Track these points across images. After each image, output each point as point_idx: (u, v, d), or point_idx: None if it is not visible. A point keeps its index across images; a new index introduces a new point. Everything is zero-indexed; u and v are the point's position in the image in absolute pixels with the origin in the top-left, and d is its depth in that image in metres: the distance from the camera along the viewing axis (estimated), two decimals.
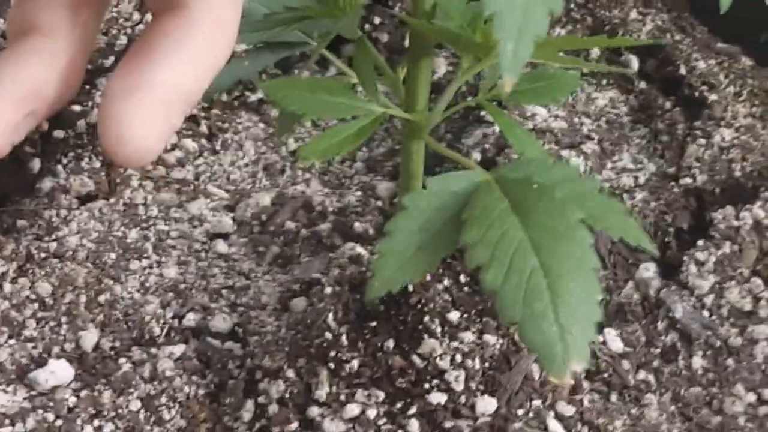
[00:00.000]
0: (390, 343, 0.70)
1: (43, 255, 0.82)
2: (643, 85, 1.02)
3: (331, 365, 0.71)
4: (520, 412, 0.69)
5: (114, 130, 0.40)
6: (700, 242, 0.81)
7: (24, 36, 0.43)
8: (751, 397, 0.73)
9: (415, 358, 0.70)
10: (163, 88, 0.41)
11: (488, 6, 0.32)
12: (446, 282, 0.73)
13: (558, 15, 0.33)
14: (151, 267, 0.83)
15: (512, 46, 0.32)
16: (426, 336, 0.70)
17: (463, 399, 0.69)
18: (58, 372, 0.73)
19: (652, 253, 0.57)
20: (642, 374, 0.75)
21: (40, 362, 0.74)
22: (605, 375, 0.74)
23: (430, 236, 0.55)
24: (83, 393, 0.73)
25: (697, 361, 0.75)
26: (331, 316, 0.73)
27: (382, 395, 0.70)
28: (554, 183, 0.55)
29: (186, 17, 0.42)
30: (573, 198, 0.54)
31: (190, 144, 0.98)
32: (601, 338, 0.76)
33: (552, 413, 0.70)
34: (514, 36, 0.32)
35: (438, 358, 0.69)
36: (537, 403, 0.70)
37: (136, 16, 1.07)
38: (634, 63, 1.03)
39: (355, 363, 0.70)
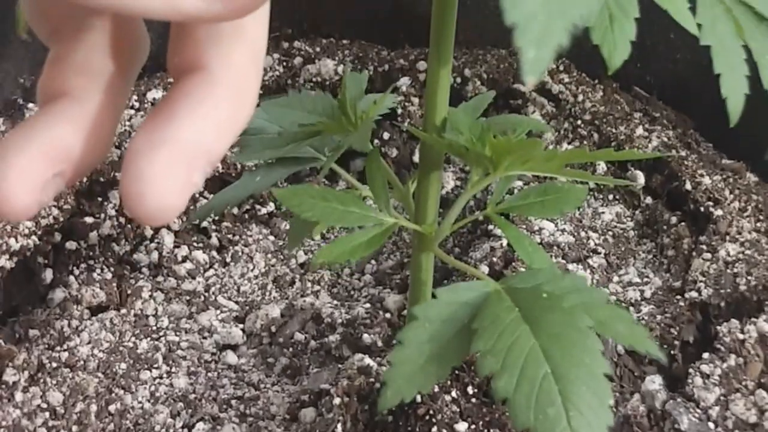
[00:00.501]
0: None
1: (54, 364, 0.83)
2: (649, 200, 1.04)
3: None
4: None
5: (135, 187, 0.40)
6: (706, 355, 0.81)
7: (55, 100, 0.44)
8: None
9: None
10: (184, 144, 0.41)
11: (509, 16, 0.33)
12: (454, 393, 0.74)
13: (581, 26, 0.34)
14: (161, 377, 0.84)
15: (533, 53, 0.33)
16: None
17: None
18: None
19: (661, 361, 0.57)
20: None
21: None
22: None
23: (441, 346, 0.56)
24: None
25: None
26: (339, 427, 0.73)
27: None
28: (563, 292, 0.56)
29: (207, 77, 0.43)
30: (582, 307, 0.54)
31: (200, 256, 0.99)
32: None
33: None
34: (534, 44, 0.33)
35: None
36: None
37: None
38: (640, 178, 1.04)
39: None
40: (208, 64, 0.43)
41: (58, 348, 0.85)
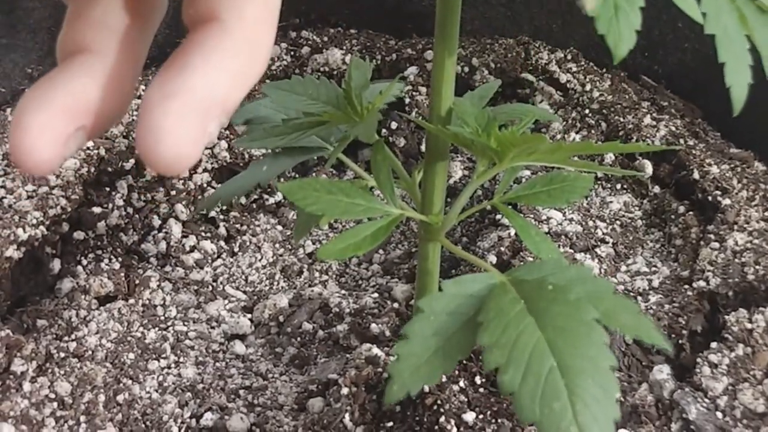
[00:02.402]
0: None
1: (62, 355, 0.83)
2: (656, 189, 1.03)
3: None
4: None
5: (151, 137, 0.40)
6: (714, 344, 0.81)
7: (74, 55, 0.44)
8: None
9: None
10: (197, 93, 0.41)
11: None
12: (462, 383, 0.74)
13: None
14: (169, 367, 0.84)
15: None
16: None
17: None
18: None
19: (667, 351, 0.57)
20: None
21: None
22: None
23: (446, 339, 0.56)
24: None
25: None
26: (347, 416, 0.73)
27: None
28: (569, 284, 0.56)
29: (220, 28, 0.43)
30: (587, 298, 0.54)
31: (208, 246, 0.99)
32: None
33: None
34: None
35: None
36: None
37: None
38: (648, 168, 1.04)
39: None
40: (221, 16, 0.43)
41: (66, 338, 0.86)
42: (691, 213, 0.98)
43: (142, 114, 0.41)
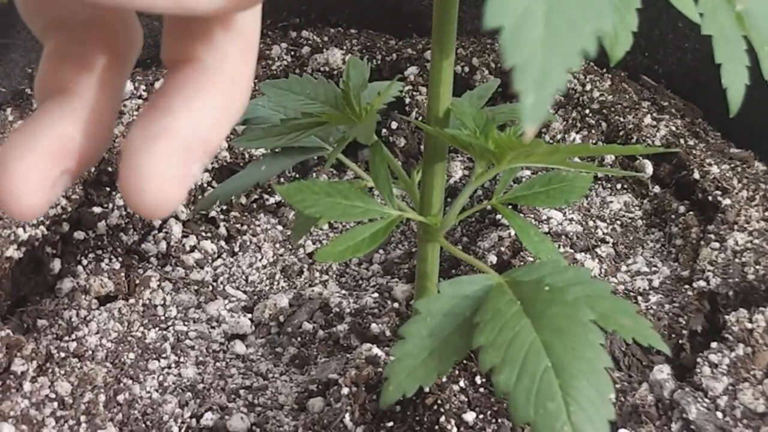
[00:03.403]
0: None
1: (62, 354, 0.83)
2: (657, 189, 1.03)
3: None
4: None
5: (134, 181, 0.40)
6: (714, 344, 0.81)
7: (53, 97, 0.44)
8: None
9: None
10: (180, 135, 0.41)
11: (508, 59, 0.33)
12: (462, 383, 0.74)
13: (576, 70, 0.34)
14: (169, 367, 0.84)
15: (532, 98, 0.33)
16: None
17: None
18: None
19: (665, 352, 0.57)
20: None
21: None
22: None
23: (443, 340, 0.56)
24: None
25: None
26: (348, 416, 0.73)
27: None
28: (566, 285, 0.56)
29: (200, 69, 0.43)
30: (584, 299, 0.54)
31: (208, 246, 0.99)
32: None
33: None
34: (533, 89, 0.33)
35: None
36: None
37: None
38: (648, 168, 1.04)
39: None
40: (201, 57, 0.43)
41: (67, 338, 0.86)
42: (691, 213, 0.98)
43: (125, 156, 0.40)
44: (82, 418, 0.77)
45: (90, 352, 0.84)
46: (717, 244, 0.91)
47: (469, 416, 0.72)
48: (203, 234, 1.00)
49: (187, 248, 0.98)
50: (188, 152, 0.41)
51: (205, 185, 1.03)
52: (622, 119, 1.08)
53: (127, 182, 0.40)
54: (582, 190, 0.69)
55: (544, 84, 0.33)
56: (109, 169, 1.00)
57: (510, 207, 0.70)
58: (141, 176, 0.40)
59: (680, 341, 0.83)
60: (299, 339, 0.88)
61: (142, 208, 0.40)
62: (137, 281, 0.92)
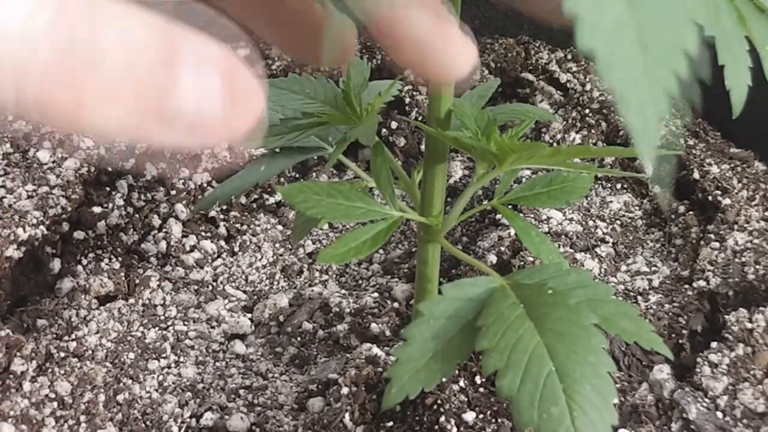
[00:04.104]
0: None
1: (62, 354, 0.83)
2: (657, 189, 1.03)
3: None
4: None
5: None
6: (714, 344, 0.81)
7: None
8: None
9: None
10: None
11: (610, 86, 0.33)
12: (462, 383, 0.74)
13: (674, 95, 0.34)
14: (169, 367, 0.84)
15: (641, 124, 0.33)
16: None
17: None
18: None
19: (667, 356, 0.57)
20: None
21: None
22: None
23: (445, 343, 0.56)
24: None
25: None
26: (347, 416, 0.73)
27: None
28: (568, 288, 0.56)
29: None
30: (587, 303, 0.54)
31: (208, 245, 0.99)
32: None
33: None
34: (639, 115, 0.33)
35: None
36: None
37: None
38: (649, 167, 1.04)
39: None
40: None
41: (66, 338, 0.86)
42: (691, 213, 0.98)
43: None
44: (82, 417, 0.77)
45: (90, 352, 0.84)
46: (717, 244, 0.91)
47: (469, 416, 0.72)
48: (203, 234, 1.00)
49: (187, 248, 0.98)
50: None
51: (205, 185, 1.03)
52: (621, 119, 1.08)
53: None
54: (583, 191, 0.69)
55: (649, 110, 0.34)
56: (109, 169, 1.00)
57: (510, 207, 0.70)
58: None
59: (680, 341, 0.83)
60: (299, 339, 0.88)
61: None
62: (137, 281, 0.92)
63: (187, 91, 0.36)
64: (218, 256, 0.99)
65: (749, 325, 0.81)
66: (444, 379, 0.73)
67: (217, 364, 0.85)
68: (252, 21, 0.54)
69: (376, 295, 0.92)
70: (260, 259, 0.99)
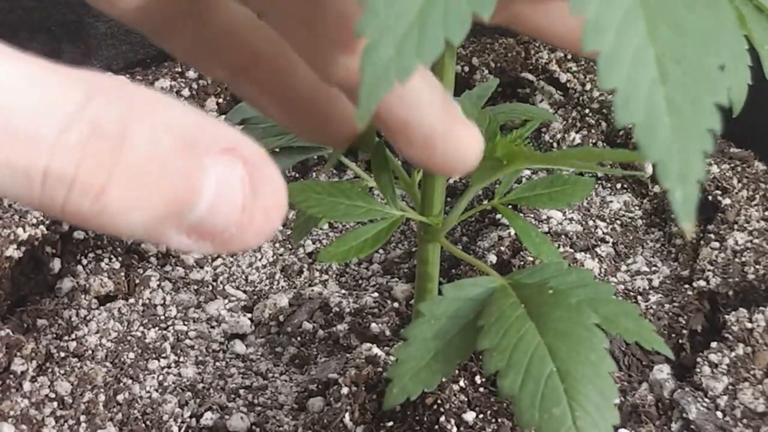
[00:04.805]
0: None
1: (62, 354, 0.83)
2: (657, 188, 1.03)
3: None
4: None
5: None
6: (714, 344, 0.81)
7: None
8: None
9: None
10: None
11: (649, 156, 0.33)
12: (462, 382, 0.74)
13: (709, 152, 0.35)
14: (169, 367, 0.84)
15: (680, 192, 0.33)
16: None
17: None
18: None
19: (668, 356, 0.57)
20: None
21: None
22: None
23: (446, 343, 0.56)
24: None
25: None
26: (347, 416, 0.73)
27: None
28: (569, 288, 0.56)
29: None
30: (588, 302, 0.54)
31: None
32: None
33: None
34: (679, 183, 0.33)
35: None
36: None
37: None
38: (648, 167, 1.04)
39: None
40: None
41: (66, 337, 0.86)
42: None
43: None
44: (82, 417, 0.77)
45: (90, 352, 0.84)
46: (717, 244, 0.91)
47: (469, 416, 0.72)
48: None
49: None
50: None
51: None
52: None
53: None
54: (585, 192, 0.69)
55: (687, 177, 0.34)
56: None
57: (510, 207, 0.70)
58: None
59: (680, 341, 0.83)
60: (299, 339, 0.88)
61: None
62: (137, 281, 0.92)
63: (210, 204, 0.36)
64: (218, 256, 0.99)
65: (749, 325, 0.81)
66: (444, 379, 0.73)
67: (217, 363, 0.85)
68: (261, 102, 0.54)
69: (376, 295, 0.92)
70: (260, 259, 0.99)
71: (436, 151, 0.47)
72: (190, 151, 0.35)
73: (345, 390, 0.75)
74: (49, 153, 0.33)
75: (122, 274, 0.93)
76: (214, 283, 0.95)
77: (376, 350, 0.79)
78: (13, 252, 0.87)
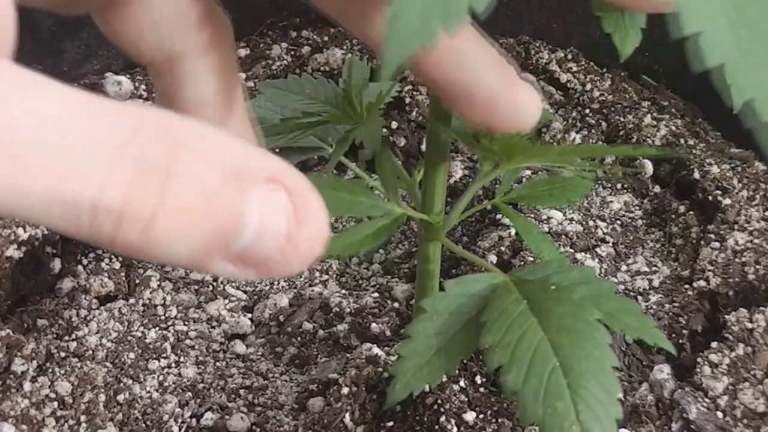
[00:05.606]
0: None
1: (62, 354, 0.83)
2: (657, 189, 1.03)
3: None
4: None
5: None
6: (714, 344, 0.81)
7: None
8: None
9: None
10: None
11: (742, 95, 0.34)
12: (462, 382, 0.74)
13: None
14: (169, 367, 0.84)
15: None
16: None
17: None
18: None
19: (670, 352, 0.57)
20: None
21: None
22: None
23: (449, 339, 0.56)
24: None
25: None
26: (348, 416, 0.73)
27: None
28: (572, 284, 0.56)
29: None
30: (590, 299, 0.54)
31: None
32: None
33: None
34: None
35: None
36: None
37: None
38: (649, 167, 1.04)
39: None
40: None
41: (67, 338, 0.85)
42: (691, 212, 0.98)
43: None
44: (82, 417, 0.77)
45: (90, 352, 0.83)
46: (717, 244, 0.91)
47: (470, 416, 0.71)
48: None
49: None
50: None
51: None
52: (622, 119, 1.08)
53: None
54: (585, 191, 0.69)
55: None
56: None
57: (510, 206, 0.70)
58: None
59: (680, 341, 0.83)
60: (299, 339, 0.88)
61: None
62: (137, 281, 0.92)
63: (255, 233, 0.37)
64: None
65: (749, 325, 0.81)
66: (445, 379, 0.73)
67: (218, 364, 0.85)
68: None
69: (376, 295, 0.92)
70: None
71: (497, 111, 0.49)
72: (235, 181, 0.36)
73: (345, 390, 0.75)
74: (99, 187, 0.33)
75: (122, 274, 0.93)
76: (215, 283, 0.95)
77: (376, 350, 0.79)
78: (13, 252, 0.87)
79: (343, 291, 0.95)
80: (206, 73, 0.49)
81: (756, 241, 0.90)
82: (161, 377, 0.82)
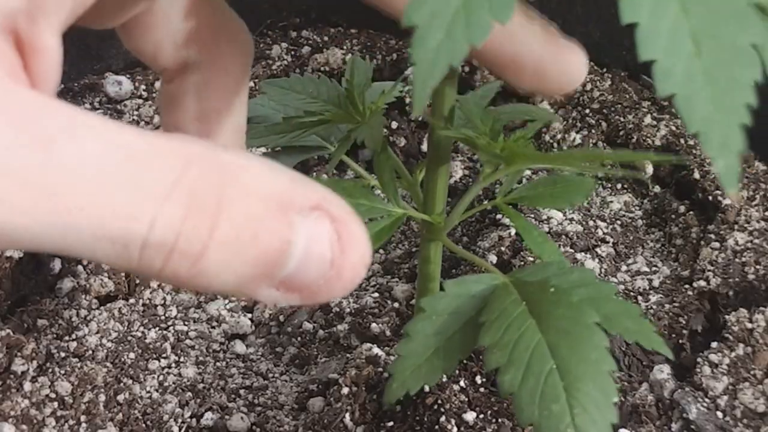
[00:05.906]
0: None
1: (63, 354, 0.83)
2: (657, 189, 1.03)
3: None
4: None
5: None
6: (714, 344, 0.81)
7: None
8: None
9: None
10: None
11: (691, 127, 0.34)
12: (462, 382, 0.74)
13: (747, 125, 0.36)
14: (169, 367, 0.84)
15: (723, 162, 0.34)
16: None
17: None
18: None
19: (668, 356, 0.57)
20: None
21: None
22: None
23: (448, 339, 0.56)
24: None
25: None
26: (348, 416, 0.73)
27: None
28: (571, 286, 0.56)
29: None
30: (589, 301, 0.54)
31: None
32: None
33: None
34: (721, 152, 0.34)
35: None
36: None
37: None
38: (649, 167, 1.04)
39: None
40: None
41: (67, 338, 0.85)
42: (691, 213, 0.98)
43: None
44: (82, 417, 0.77)
45: (90, 352, 0.83)
46: (717, 244, 0.91)
47: (470, 416, 0.71)
48: None
49: None
50: None
51: None
52: (622, 119, 1.08)
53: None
54: (586, 192, 0.69)
55: (728, 147, 0.35)
56: None
57: (510, 206, 0.70)
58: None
59: (680, 341, 0.83)
60: (299, 339, 0.88)
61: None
62: (137, 281, 0.92)
63: (300, 261, 0.38)
64: None
65: (749, 325, 0.81)
66: (444, 379, 0.73)
67: (218, 364, 0.85)
68: None
69: (376, 295, 0.92)
70: None
71: (546, 76, 0.50)
72: (281, 211, 0.37)
73: (345, 390, 0.75)
74: (149, 225, 0.34)
75: (122, 274, 0.93)
76: None
77: (376, 350, 0.79)
78: (13, 252, 0.87)
79: None
80: (215, 89, 0.49)
81: (756, 241, 0.90)
82: (161, 377, 0.82)
